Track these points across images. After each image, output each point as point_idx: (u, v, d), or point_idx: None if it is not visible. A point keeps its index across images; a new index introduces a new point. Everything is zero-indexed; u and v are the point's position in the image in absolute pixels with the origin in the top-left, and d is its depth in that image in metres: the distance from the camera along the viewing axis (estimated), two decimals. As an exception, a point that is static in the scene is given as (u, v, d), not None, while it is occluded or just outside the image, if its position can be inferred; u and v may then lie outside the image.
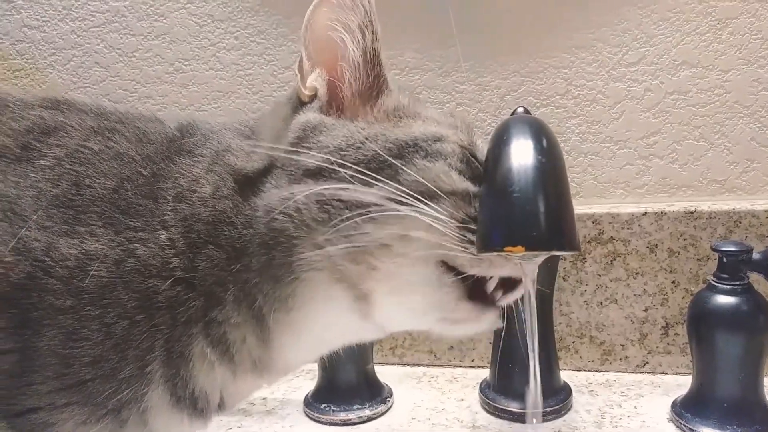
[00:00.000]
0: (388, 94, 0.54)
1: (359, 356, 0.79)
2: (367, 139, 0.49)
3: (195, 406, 0.50)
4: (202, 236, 0.48)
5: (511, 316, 0.77)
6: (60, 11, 1.02)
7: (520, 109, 0.73)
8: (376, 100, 0.53)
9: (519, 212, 0.45)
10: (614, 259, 0.85)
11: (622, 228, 0.84)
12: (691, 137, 0.86)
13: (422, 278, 0.48)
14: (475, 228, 0.47)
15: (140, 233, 0.47)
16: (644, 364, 0.86)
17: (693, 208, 0.82)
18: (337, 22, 0.51)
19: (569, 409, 0.77)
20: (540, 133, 0.49)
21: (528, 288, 0.49)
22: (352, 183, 0.47)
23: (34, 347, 0.43)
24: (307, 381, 0.88)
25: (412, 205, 0.46)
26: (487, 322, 0.50)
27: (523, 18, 0.88)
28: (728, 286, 0.70)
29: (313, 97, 0.52)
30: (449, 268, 0.48)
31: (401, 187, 0.47)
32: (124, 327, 0.45)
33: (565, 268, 0.86)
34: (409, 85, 0.92)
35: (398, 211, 0.46)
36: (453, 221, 0.47)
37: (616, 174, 0.89)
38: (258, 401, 0.83)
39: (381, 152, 0.48)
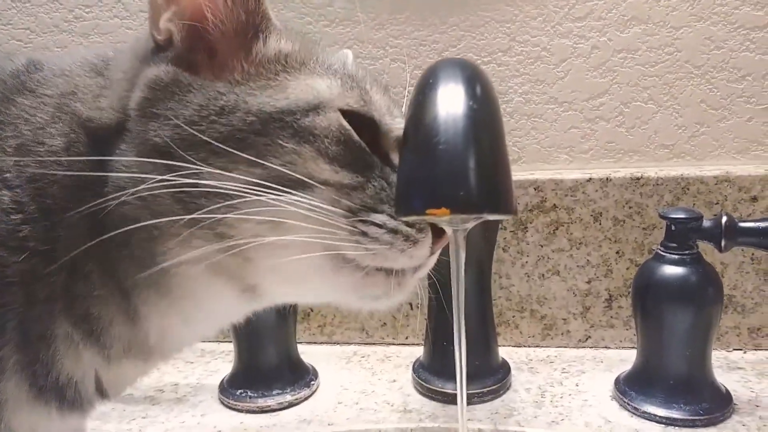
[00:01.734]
0: (270, 36, 0.44)
1: (280, 336, 0.72)
2: (224, 110, 0.40)
3: (63, 396, 0.42)
4: (59, 201, 0.39)
5: (445, 290, 0.71)
6: (-60, -53, 0.89)
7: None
8: (253, 45, 0.43)
9: (444, 168, 0.37)
10: (557, 229, 0.79)
11: (566, 195, 0.79)
12: (639, 99, 0.80)
13: (312, 268, 0.41)
14: (364, 219, 0.40)
15: None
16: (586, 339, 0.81)
17: (639, 174, 0.77)
18: None
19: (508, 389, 0.72)
20: (473, 78, 0.41)
21: (456, 262, 0.42)
22: (208, 166, 0.38)
23: None
24: (225, 364, 0.80)
25: (278, 195, 0.38)
26: (409, 287, 0.43)
27: (463, -35, 0.81)
28: (676, 256, 0.66)
29: (169, 42, 0.42)
30: (340, 256, 0.41)
31: (266, 173, 0.38)
32: None
33: (505, 238, 0.80)
34: (338, 38, 0.83)
35: (264, 200, 0.38)
36: (337, 211, 0.39)
37: (560, 138, 0.83)
38: (168, 387, 0.75)
39: (241, 127, 0.39)
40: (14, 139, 0.40)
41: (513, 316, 0.82)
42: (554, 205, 0.79)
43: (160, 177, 0.38)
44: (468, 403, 0.69)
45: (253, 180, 0.38)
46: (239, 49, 0.42)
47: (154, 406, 0.71)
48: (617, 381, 0.71)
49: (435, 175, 0.37)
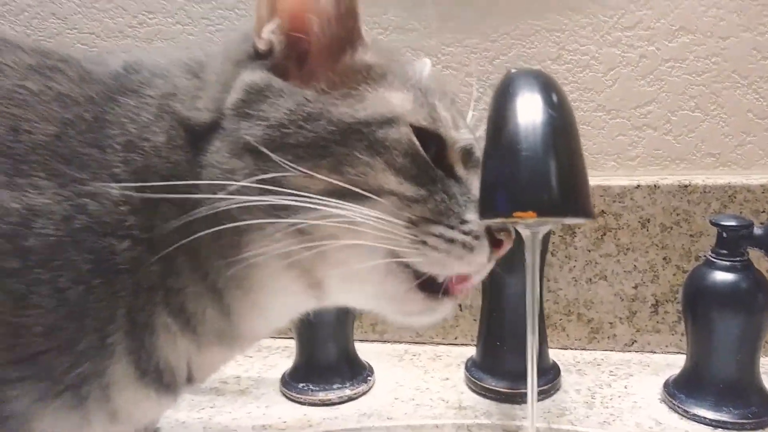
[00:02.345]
0: (359, 49, 0.47)
1: (339, 333, 0.75)
2: (309, 116, 0.43)
3: (161, 380, 0.45)
4: (157, 191, 0.42)
5: (499, 291, 0.73)
6: (11, -43, 0.94)
7: (513, 70, 0.69)
8: (342, 56, 0.46)
9: (529, 173, 0.40)
10: (605, 234, 0.81)
11: (614, 201, 0.80)
12: (687, 107, 0.82)
13: (372, 268, 0.44)
14: (426, 230, 0.43)
15: (89, 186, 0.42)
16: (632, 343, 0.83)
17: (687, 182, 0.79)
18: None
19: (558, 389, 0.74)
20: (549, 87, 0.44)
21: (532, 267, 0.45)
22: (293, 170, 0.41)
23: None
24: (283, 359, 0.83)
25: (351, 204, 0.42)
26: (443, 312, 0.46)
27: (515, -24, 0.83)
28: (727, 263, 0.67)
29: (269, 51, 0.45)
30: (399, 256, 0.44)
31: (343, 179, 0.42)
32: (80, 293, 0.40)
33: (553, 242, 0.82)
34: (392, 45, 0.86)
35: (338, 208, 0.41)
36: (399, 222, 0.43)
37: (607, 145, 0.85)
38: (231, 380, 0.78)
39: (323, 135, 0.43)
40: (122, 136, 0.43)
41: (560, 319, 0.84)
42: (602, 211, 0.81)
43: (255, 177, 0.42)
44: (521, 402, 0.71)
45: (330, 187, 0.41)
46: (330, 60, 0.45)
47: (220, 397, 0.74)
48: (666, 384, 0.72)
49: (520, 179, 0.40)
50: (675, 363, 0.75)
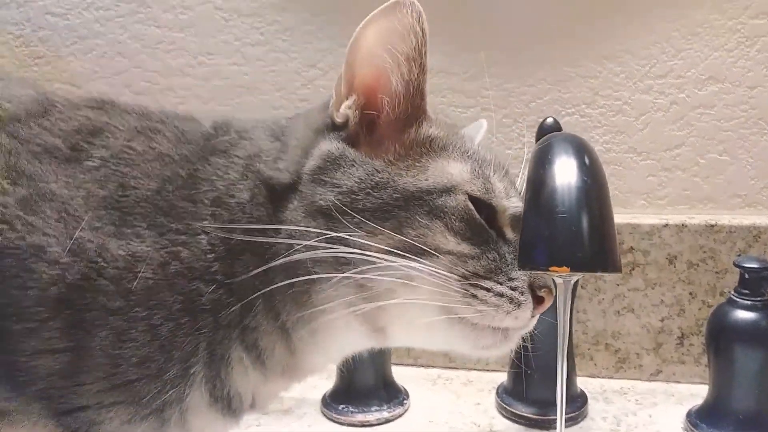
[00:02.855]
0: (423, 123, 0.52)
1: (377, 357, 0.80)
2: (377, 185, 0.48)
3: (230, 406, 0.51)
4: (241, 243, 0.49)
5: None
6: (84, 0, 1.02)
7: (550, 120, 0.75)
8: (409, 130, 0.51)
9: (564, 232, 0.45)
10: (633, 269, 0.86)
11: (642, 239, 0.85)
12: (715, 151, 0.87)
13: (430, 323, 0.49)
14: (479, 284, 0.48)
15: (182, 236, 0.48)
16: (658, 373, 0.87)
17: (714, 222, 0.83)
18: (385, 49, 0.49)
19: (585, 417, 0.78)
20: (583, 152, 0.49)
21: (563, 308, 0.50)
22: (359, 231, 0.47)
23: (86, 347, 0.44)
24: (322, 380, 0.89)
25: (410, 260, 0.46)
26: (515, 339, 0.51)
27: (552, 26, 0.89)
28: (749, 302, 0.71)
29: (344, 124, 0.51)
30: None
31: (404, 240, 0.47)
32: (170, 328, 0.46)
33: (583, 276, 0.87)
34: (434, 88, 0.92)
35: (398, 263, 0.46)
36: (453, 276, 0.47)
37: (638, 185, 0.89)
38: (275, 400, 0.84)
39: (388, 201, 0.48)
40: (211, 192, 0.49)
41: (588, 349, 0.88)
42: (631, 247, 0.85)
43: (325, 236, 0.47)
44: (549, 428, 0.76)
45: (391, 247, 0.46)
46: (397, 133, 0.51)
47: (265, 416, 0.80)
48: (689, 414, 0.76)
49: (556, 238, 0.45)
50: (699, 393, 0.79)
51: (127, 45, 1.01)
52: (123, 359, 0.45)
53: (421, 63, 0.50)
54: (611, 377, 0.89)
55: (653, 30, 0.86)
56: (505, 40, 0.90)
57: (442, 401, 0.83)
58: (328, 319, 0.49)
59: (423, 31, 0.49)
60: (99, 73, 1.03)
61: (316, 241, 0.47)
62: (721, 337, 0.73)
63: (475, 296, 0.47)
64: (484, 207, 0.50)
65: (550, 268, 0.45)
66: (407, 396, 0.83)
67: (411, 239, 0.47)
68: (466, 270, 0.47)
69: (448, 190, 0.49)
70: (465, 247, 0.48)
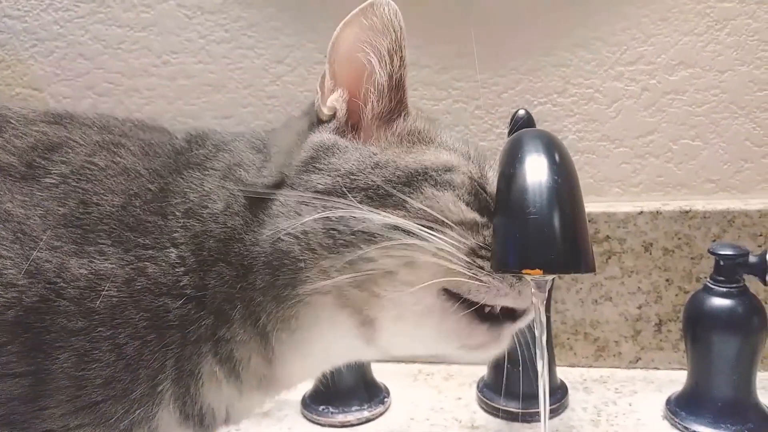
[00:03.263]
0: (406, 117, 0.53)
1: (358, 358, 0.79)
2: (377, 165, 0.49)
3: (202, 422, 0.50)
4: (213, 253, 0.48)
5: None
6: (42, 1, 0.99)
7: (521, 111, 0.74)
8: (394, 123, 0.53)
9: (536, 235, 0.44)
10: (609, 258, 0.86)
11: (618, 227, 0.85)
12: (687, 137, 0.86)
13: (426, 307, 0.48)
14: (483, 255, 0.47)
15: (150, 251, 0.47)
16: (637, 360, 0.87)
17: (688, 208, 0.83)
18: (367, 44, 0.50)
19: (566, 408, 0.78)
20: (553, 150, 0.48)
21: (538, 306, 0.49)
22: (360, 208, 0.46)
23: (47, 370, 0.43)
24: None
25: (418, 234, 0.46)
26: (505, 340, 0.50)
27: (522, 15, 0.87)
28: (724, 289, 0.72)
29: (332, 117, 0.52)
30: (452, 296, 0.48)
31: (408, 215, 0.46)
32: (136, 347, 0.45)
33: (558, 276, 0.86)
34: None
35: (403, 239, 0.46)
36: (461, 248, 0.47)
37: (612, 172, 0.89)
38: (256, 402, 0.83)
39: (391, 179, 0.48)
40: (183, 204, 0.48)
41: (567, 338, 0.88)
42: (607, 236, 0.85)
43: (324, 213, 0.46)
44: (530, 421, 0.76)
45: (396, 221, 0.46)
46: (385, 125, 0.52)
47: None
48: (668, 401, 0.77)
49: (528, 240, 0.44)
50: (678, 379, 0.79)
51: (88, 46, 0.99)
52: (87, 380, 0.44)
53: (401, 56, 0.52)
54: (591, 366, 0.89)
55: (623, 16, 0.85)
56: (476, 31, 0.89)
57: (423, 397, 0.83)
58: (313, 313, 0.48)
59: (401, 27, 0.51)
60: (60, 76, 1.01)
61: (311, 222, 0.46)
62: (697, 325, 0.73)
63: (482, 268, 0.47)
64: (482, 190, 0.50)
65: (523, 271, 0.44)
66: (388, 394, 0.82)
67: (416, 212, 0.46)
68: (476, 242, 0.47)
69: (451, 168, 0.50)
70: (476, 216, 0.48)
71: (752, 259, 0.71)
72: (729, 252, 0.71)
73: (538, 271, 0.43)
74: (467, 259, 0.47)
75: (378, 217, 0.46)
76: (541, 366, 0.49)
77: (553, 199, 0.45)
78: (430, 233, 0.45)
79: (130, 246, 0.46)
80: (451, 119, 0.91)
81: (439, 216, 0.47)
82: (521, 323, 0.50)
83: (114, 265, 0.45)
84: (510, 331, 0.50)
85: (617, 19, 0.85)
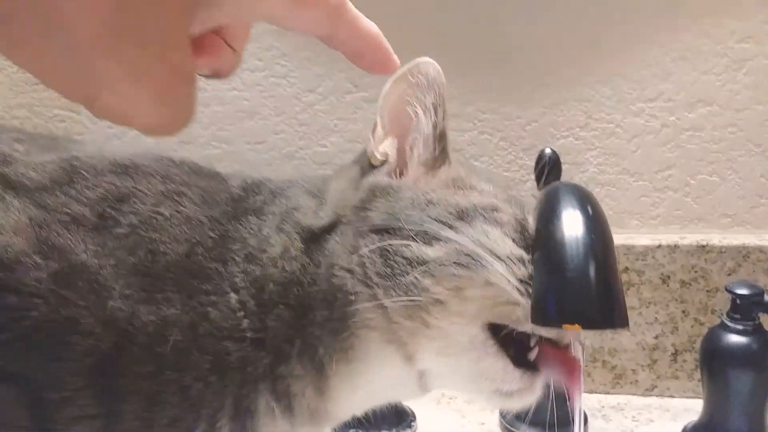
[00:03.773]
0: (448, 165, 0.57)
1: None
2: (430, 202, 0.53)
3: None
4: (273, 296, 0.51)
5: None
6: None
7: (548, 150, 0.77)
8: (438, 170, 0.56)
9: (574, 292, 0.47)
10: (628, 289, 0.89)
11: (637, 260, 0.88)
12: (705, 172, 0.90)
13: (469, 340, 0.51)
14: (529, 285, 0.50)
15: (212, 296, 0.50)
16: (653, 388, 0.91)
17: (705, 242, 0.86)
18: (415, 98, 0.55)
19: (586, 435, 0.82)
20: (587, 206, 0.52)
21: (580, 359, 0.52)
22: (416, 241, 0.50)
23: (119, 412, 0.46)
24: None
25: (471, 264, 0.49)
26: (537, 389, 0.53)
27: (547, 51, 0.90)
28: (740, 327, 0.74)
29: (384, 162, 0.56)
30: (496, 331, 0.51)
31: (460, 246, 0.50)
32: (199, 389, 0.48)
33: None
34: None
35: (456, 269, 0.49)
36: (512, 278, 0.50)
37: (631, 205, 0.92)
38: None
39: (444, 213, 0.51)
40: (243, 250, 0.51)
41: (586, 366, 0.92)
42: (626, 267, 0.88)
43: (379, 244, 0.50)
44: (552, 448, 0.79)
45: (447, 256, 0.49)
46: (431, 170, 0.56)
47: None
48: (684, 431, 0.80)
49: (567, 296, 0.48)
50: (692, 407, 0.83)
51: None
52: (154, 420, 0.47)
53: (444, 109, 0.56)
54: (608, 393, 0.92)
55: (644, 54, 0.88)
56: (501, 64, 0.92)
57: (447, 421, 0.86)
58: (364, 347, 0.51)
59: (443, 83, 0.56)
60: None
61: (368, 253, 0.50)
62: (714, 360, 0.76)
63: (530, 294, 0.49)
64: (525, 230, 0.53)
65: (563, 325, 0.47)
66: (414, 418, 0.85)
67: (468, 245, 0.49)
68: (523, 275, 0.50)
69: (496, 209, 0.53)
70: (522, 252, 0.51)
71: (767, 298, 0.74)
72: (745, 291, 0.74)
73: (576, 326, 0.47)
74: (518, 287, 0.50)
75: (431, 250, 0.50)
76: (578, 412, 0.52)
77: (589, 257, 0.48)
78: (482, 263, 0.49)
79: (193, 292, 0.49)
80: (476, 150, 0.95)
81: (488, 249, 0.50)
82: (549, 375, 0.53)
83: (179, 311, 0.48)
84: (543, 382, 0.53)
85: (638, 57, 0.88)
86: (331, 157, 0.99)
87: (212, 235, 0.51)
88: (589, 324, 0.47)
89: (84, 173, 0.52)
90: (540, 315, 0.49)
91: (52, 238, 0.47)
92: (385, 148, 0.56)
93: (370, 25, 0.41)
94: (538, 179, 0.75)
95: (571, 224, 0.50)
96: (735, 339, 0.74)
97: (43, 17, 0.27)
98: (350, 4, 0.39)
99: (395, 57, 0.46)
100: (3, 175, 0.51)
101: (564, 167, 0.77)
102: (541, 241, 0.51)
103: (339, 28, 0.39)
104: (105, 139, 1.05)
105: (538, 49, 0.91)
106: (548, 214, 0.52)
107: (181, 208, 0.52)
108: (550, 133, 0.92)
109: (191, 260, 0.50)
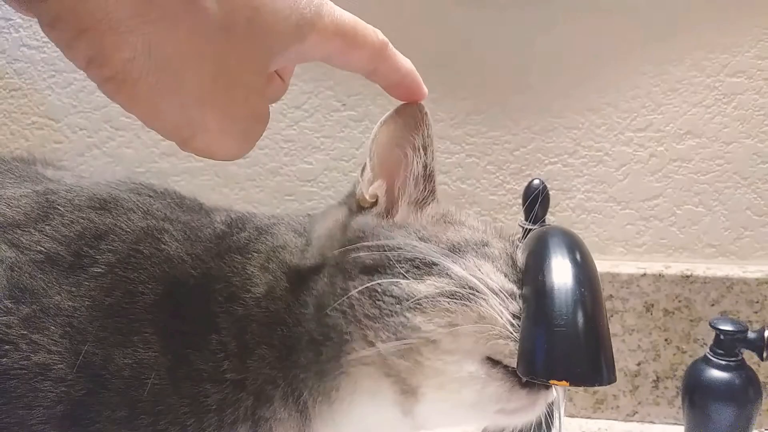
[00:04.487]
0: (436, 202, 0.57)
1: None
2: (422, 239, 0.52)
3: None
4: (255, 337, 0.50)
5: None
6: (63, 35, 0.99)
7: (536, 181, 0.76)
8: (427, 207, 0.56)
9: (563, 348, 0.47)
10: (612, 316, 0.89)
11: (621, 287, 0.88)
12: (691, 203, 0.90)
13: (469, 375, 0.49)
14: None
15: (192, 338, 0.48)
16: (634, 414, 0.91)
17: (689, 272, 0.87)
18: (403, 139, 0.55)
19: (566, 463, 0.82)
20: (577, 256, 0.51)
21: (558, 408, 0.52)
22: (406, 278, 0.49)
23: None
24: None
25: (461, 299, 0.48)
26: (542, 405, 0.52)
27: (537, 78, 0.90)
28: (723, 362, 0.75)
29: (374, 204, 0.55)
30: (494, 362, 0.50)
31: (452, 282, 0.49)
32: None
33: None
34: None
35: (447, 305, 0.48)
36: (504, 314, 0.49)
37: (617, 232, 0.92)
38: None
39: (435, 250, 0.50)
40: (225, 289, 0.50)
41: (568, 390, 0.92)
42: (610, 295, 0.88)
43: (372, 283, 0.49)
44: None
45: (439, 290, 0.48)
46: (418, 209, 0.56)
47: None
48: (664, 462, 0.80)
49: (555, 352, 0.47)
50: (672, 435, 0.83)
51: (106, 80, 0.99)
52: None
53: (432, 149, 0.56)
54: (589, 417, 0.92)
55: (635, 85, 0.88)
56: (491, 89, 0.91)
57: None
58: (353, 384, 0.50)
59: (430, 123, 0.56)
60: (78, 108, 1.02)
61: (357, 294, 0.49)
62: (696, 393, 0.76)
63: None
64: (515, 264, 0.53)
65: (550, 381, 0.46)
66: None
67: (459, 280, 0.49)
68: (514, 311, 0.49)
69: (486, 244, 0.53)
70: (513, 287, 0.51)
71: (751, 335, 0.74)
72: (729, 328, 0.74)
73: (564, 382, 0.46)
74: (510, 324, 0.49)
75: (422, 286, 0.49)
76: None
77: (578, 313, 0.48)
78: (473, 299, 0.48)
79: (172, 333, 0.48)
80: (462, 173, 0.94)
81: (480, 284, 0.49)
82: (554, 391, 0.53)
83: (157, 353, 0.47)
84: (546, 398, 0.52)
85: (629, 87, 0.88)
86: (316, 175, 0.98)
87: (194, 273, 0.50)
88: (577, 381, 0.46)
89: (60, 208, 0.50)
90: (527, 368, 0.48)
91: (24, 281, 0.45)
92: (374, 189, 0.55)
93: (406, 61, 0.50)
94: (526, 212, 0.74)
95: (561, 278, 0.49)
96: (717, 374, 0.75)
97: (164, 79, 0.36)
98: (390, 45, 0.48)
99: (425, 88, 0.53)
100: None
101: (551, 193, 0.76)
102: (531, 293, 0.50)
103: (380, 66, 0.48)
104: (84, 147, 1.03)
105: (529, 75, 0.90)
106: (537, 264, 0.51)
107: (162, 245, 0.51)
108: (539, 158, 0.92)
109: (171, 300, 0.49)
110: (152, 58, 0.35)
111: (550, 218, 0.75)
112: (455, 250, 0.51)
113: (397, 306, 0.48)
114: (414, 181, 0.56)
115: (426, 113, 0.55)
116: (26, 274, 0.46)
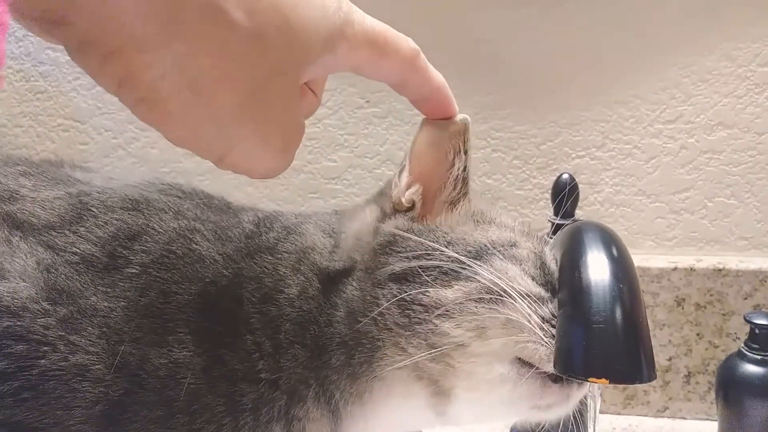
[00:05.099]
0: (468, 201, 0.56)
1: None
2: (450, 243, 0.51)
3: None
4: (289, 336, 0.50)
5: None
6: (87, 36, 1.00)
7: (565, 176, 0.75)
8: (457, 206, 0.56)
9: (601, 345, 0.46)
10: (642, 311, 0.88)
11: (652, 282, 0.87)
12: (722, 195, 0.88)
13: (500, 376, 0.49)
14: (552, 325, 0.49)
15: (226, 338, 0.48)
16: (665, 409, 0.90)
17: (722, 266, 0.85)
18: (449, 145, 0.54)
19: (598, 459, 0.81)
20: (614, 252, 0.50)
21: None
22: (434, 286, 0.49)
23: None
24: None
25: (490, 302, 0.48)
26: (576, 398, 0.52)
27: (564, 70, 0.89)
28: (758, 357, 0.74)
29: (410, 208, 0.55)
30: (525, 363, 0.50)
31: (480, 286, 0.48)
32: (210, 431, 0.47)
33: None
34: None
35: (475, 311, 0.48)
36: (533, 318, 0.48)
37: (647, 226, 0.91)
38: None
39: (462, 255, 0.50)
40: (258, 290, 0.50)
41: (598, 387, 0.91)
42: (641, 289, 0.87)
43: (400, 296, 0.49)
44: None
45: (467, 296, 0.48)
46: (451, 208, 0.55)
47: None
48: (698, 458, 0.79)
49: (593, 350, 0.46)
50: (704, 430, 0.82)
51: (131, 81, 1.00)
52: None
53: (468, 152, 0.55)
54: (619, 413, 0.91)
55: (663, 76, 0.87)
56: (517, 82, 0.90)
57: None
58: (386, 387, 0.50)
59: (468, 128, 0.54)
60: (102, 109, 1.02)
61: (387, 305, 0.49)
62: (730, 388, 0.75)
63: (553, 336, 0.48)
64: (544, 265, 0.53)
65: (589, 379, 0.46)
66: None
67: (486, 284, 0.48)
68: (543, 315, 0.49)
69: (514, 245, 0.52)
70: (541, 291, 0.50)
71: (787, 328, 0.73)
72: (764, 321, 0.73)
73: (604, 380, 0.46)
74: (540, 328, 0.48)
75: (450, 291, 0.48)
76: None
77: (617, 309, 0.47)
78: (501, 302, 0.48)
79: (206, 334, 0.48)
80: (488, 168, 0.93)
81: (508, 288, 0.49)
82: (587, 385, 0.52)
83: (192, 353, 0.47)
84: (579, 392, 0.52)
85: (657, 78, 0.87)
86: (340, 172, 0.98)
87: (226, 273, 0.50)
88: (616, 378, 0.46)
89: (94, 210, 0.51)
90: (565, 365, 0.48)
91: (61, 282, 0.46)
92: (411, 195, 0.55)
93: (437, 75, 0.48)
94: (556, 207, 0.73)
95: (598, 274, 0.49)
96: (753, 369, 0.74)
97: (197, 96, 0.35)
98: (422, 55, 0.46)
99: (456, 106, 0.52)
100: (9, 214, 0.49)
101: (579, 187, 0.75)
102: (567, 290, 0.50)
103: (410, 77, 0.47)
104: (110, 148, 1.04)
105: (555, 68, 0.89)
106: (573, 261, 0.50)
107: (194, 246, 0.51)
108: (566, 152, 0.91)
109: (204, 300, 0.49)
110: (183, 74, 0.34)
111: (578, 212, 0.74)
112: (483, 252, 0.51)
113: (426, 314, 0.48)
114: (453, 184, 0.55)
115: (467, 117, 0.54)
116: (62, 276, 0.46)
